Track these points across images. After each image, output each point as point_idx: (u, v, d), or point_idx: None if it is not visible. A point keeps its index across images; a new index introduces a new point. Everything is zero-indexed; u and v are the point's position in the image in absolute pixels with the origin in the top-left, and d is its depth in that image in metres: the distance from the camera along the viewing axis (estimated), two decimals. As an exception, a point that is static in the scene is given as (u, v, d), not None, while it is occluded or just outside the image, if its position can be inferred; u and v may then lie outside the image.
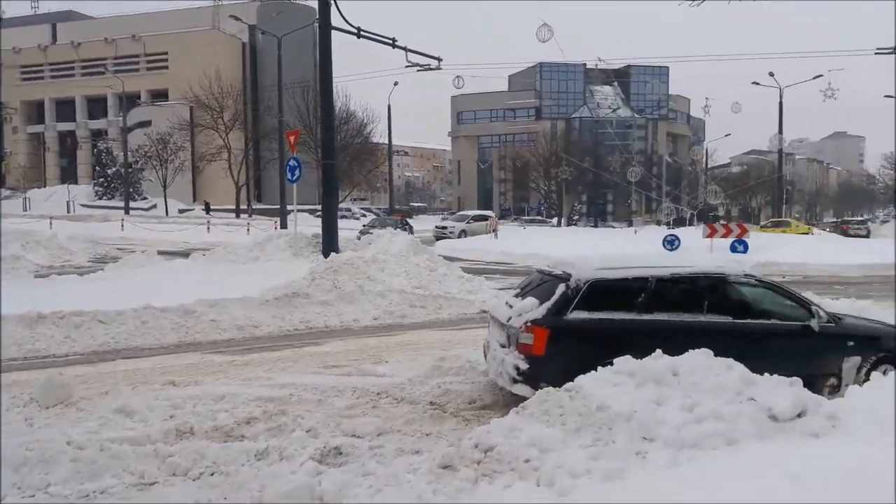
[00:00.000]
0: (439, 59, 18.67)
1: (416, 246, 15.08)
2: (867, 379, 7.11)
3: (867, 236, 46.94)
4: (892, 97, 46.46)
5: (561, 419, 4.33)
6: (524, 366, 6.44)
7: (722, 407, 4.41)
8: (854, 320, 8.00)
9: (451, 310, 12.66)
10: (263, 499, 3.87)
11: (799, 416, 4.46)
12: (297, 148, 17.69)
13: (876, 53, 27.21)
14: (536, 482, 3.72)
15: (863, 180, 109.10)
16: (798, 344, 7.04)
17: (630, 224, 58.64)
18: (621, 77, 73.46)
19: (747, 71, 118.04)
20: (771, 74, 40.14)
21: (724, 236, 25.65)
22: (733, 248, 25.01)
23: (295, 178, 16.03)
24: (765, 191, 70.01)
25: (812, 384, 6.87)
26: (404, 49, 17.86)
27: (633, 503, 3.28)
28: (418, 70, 18.93)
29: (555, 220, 60.06)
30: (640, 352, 5.63)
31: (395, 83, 37.25)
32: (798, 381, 5.16)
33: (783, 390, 4.69)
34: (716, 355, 6.00)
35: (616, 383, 4.76)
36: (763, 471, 3.45)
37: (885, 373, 7.32)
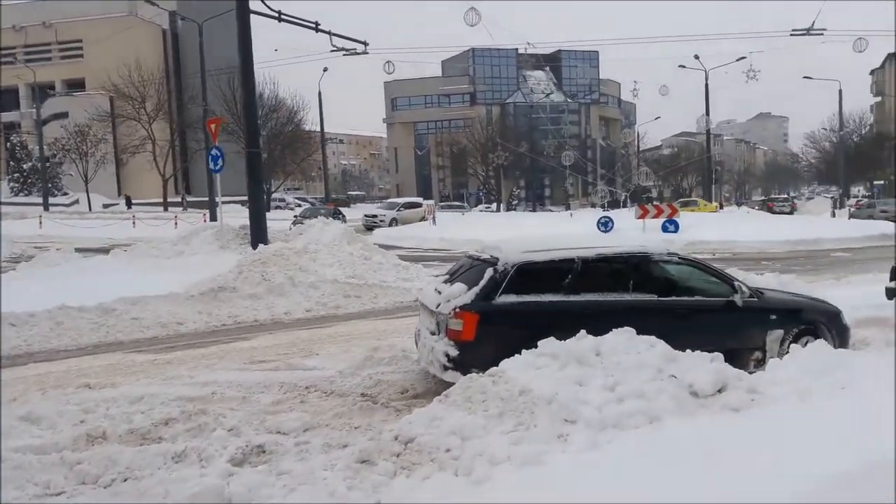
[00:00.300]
0: (365, 44, 18.37)
1: (349, 235, 14.83)
2: (788, 351, 7.34)
3: (791, 213, 48.92)
4: (810, 78, 48.35)
5: (483, 405, 4.26)
6: (454, 352, 6.36)
7: (644, 385, 4.42)
8: (776, 294, 8.22)
9: (387, 299, 12.49)
10: (167, 502, 3.66)
11: (720, 391, 4.51)
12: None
13: (791, 35, 28.14)
14: (455, 472, 3.63)
15: (787, 159, 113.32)
16: (723, 319, 7.17)
17: (568, 207, 59.49)
18: (552, 62, 74.16)
19: (676, 54, 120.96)
20: (696, 57, 41.15)
21: (656, 217, 26.25)
22: (664, 228, 25.63)
23: (218, 167, 15.51)
24: (695, 171, 72.01)
25: (738, 358, 7.04)
26: (328, 33, 17.48)
27: (548, 488, 3.21)
28: (344, 55, 18.59)
29: (470, 206, 60.11)
30: (569, 333, 5.64)
31: (325, 69, 36.67)
32: (719, 356, 5.23)
33: (704, 366, 4.74)
34: (642, 333, 6.06)
35: (539, 366, 4.71)
36: (678, 448, 3.44)
37: (805, 344, 7.56)
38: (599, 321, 6.03)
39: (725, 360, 6.92)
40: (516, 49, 71.36)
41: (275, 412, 6.39)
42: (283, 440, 5.48)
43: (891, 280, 10.80)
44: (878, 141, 66.63)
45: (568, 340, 5.14)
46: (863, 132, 69.04)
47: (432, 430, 4.05)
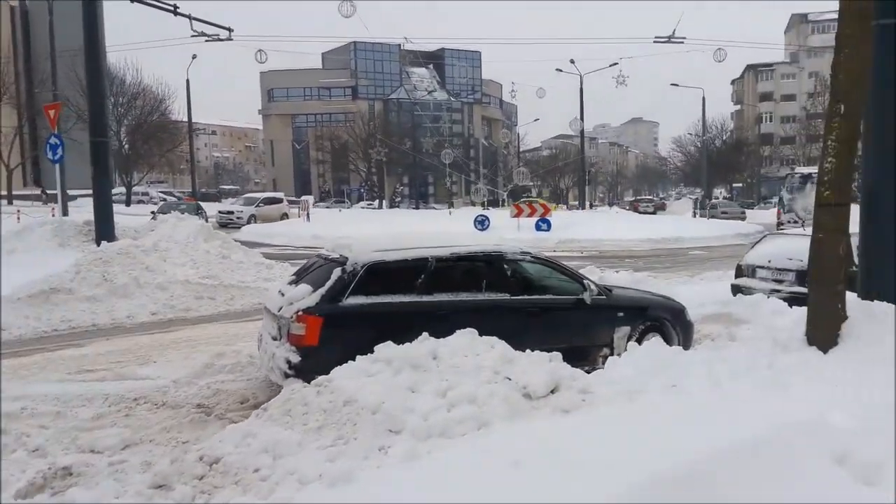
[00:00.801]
0: (230, 30, 17.48)
1: (206, 231, 13.99)
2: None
3: (654, 213, 51.71)
4: (676, 85, 51.15)
5: (304, 419, 3.92)
6: (296, 358, 5.97)
7: (478, 389, 4.23)
8: (623, 292, 8.38)
9: (244, 300, 11.83)
10: None
11: (553, 392, 4.40)
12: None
13: (654, 42, 29.52)
14: (259, 495, 3.27)
15: (656, 162, 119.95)
16: (573, 317, 7.20)
17: (451, 205, 59.92)
18: (435, 59, 74.58)
19: (556, 56, 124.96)
20: (572, 62, 42.50)
21: (530, 216, 26.83)
22: (538, 227, 26.24)
23: (57, 157, 14.20)
24: (572, 172, 74.64)
25: (588, 355, 7.09)
26: (188, 17, 16.45)
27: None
28: (206, 41, 17.60)
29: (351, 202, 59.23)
30: (419, 335, 5.42)
31: (194, 56, 34.70)
32: (557, 355, 5.17)
33: (542, 366, 4.63)
34: (495, 333, 5.95)
35: (373, 373, 4.43)
36: (500, 454, 3.26)
37: (646, 339, 7.75)
38: (451, 322, 5.86)
39: (576, 358, 6.97)
40: (399, 45, 71.36)
41: (92, 428, 5.76)
42: (96, 460, 4.89)
43: (736, 277, 11.41)
44: (737, 146, 71.77)
45: (405, 344, 4.89)
46: (724, 138, 74.08)
47: (242, 449, 3.66)
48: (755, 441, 3.64)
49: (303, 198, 36.86)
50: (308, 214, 31.69)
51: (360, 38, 63.80)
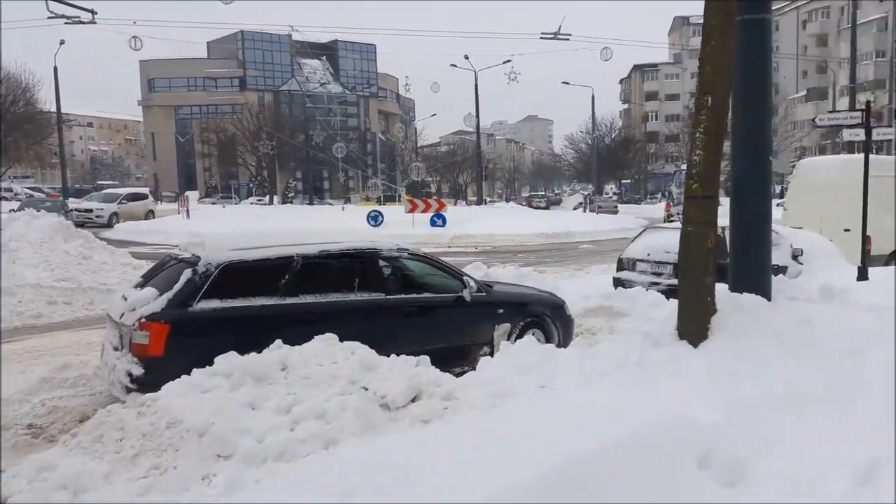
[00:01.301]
0: (93, 13, 16.10)
1: (66, 230, 12.81)
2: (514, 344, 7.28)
3: (547, 208, 52.88)
4: (568, 83, 52.35)
5: (117, 445, 3.38)
6: (139, 371, 5.34)
7: (328, 402, 3.82)
8: (505, 288, 8.19)
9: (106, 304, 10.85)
10: None
11: (414, 400, 4.06)
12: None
13: (541, 38, 29.84)
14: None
15: (551, 159, 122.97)
16: (452, 315, 6.95)
17: (347, 201, 58.88)
18: (328, 51, 73.00)
19: (453, 51, 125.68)
20: (466, 57, 42.57)
21: (425, 211, 26.59)
22: (432, 223, 26.05)
23: None
24: (470, 168, 75.23)
25: (468, 354, 6.83)
26: (42, -4, 15.04)
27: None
28: (66, 23, 16.17)
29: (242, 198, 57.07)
30: (283, 342, 4.95)
31: (62, 42, 31.93)
32: (425, 359, 4.84)
33: (404, 372, 4.27)
34: (369, 335, 5.62)
35: (208, 388, 3.92)
36: (325, 482, 2.86)
37: (532, 335, 7.60)
38: (318, 326, 5.43)
39: (456, 357, 6.70)
40: (289, 35, 69.45)
41: None
42: None
43: (617, 271, 11.54)
44: (625, 144, 74.55)
45: (249, 355, 4.40)
46: (613, 135, 76.77)
47: (36, 485, 3.09)
48: (618, 443, 3.45)
49: (193, 192, 35.02)
50: (188, 211, 30.13)
51: (248, 26, 61.76)
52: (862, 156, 16.52)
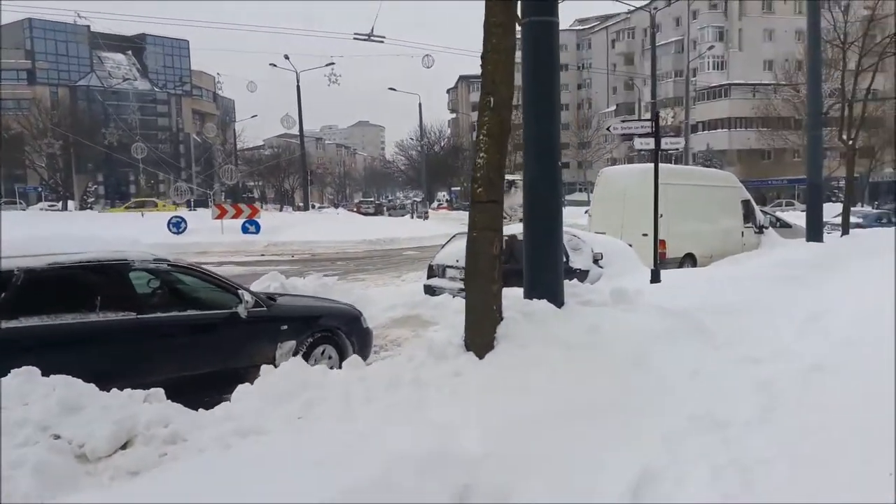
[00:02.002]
0: None
1: None
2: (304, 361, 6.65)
3: (375, 214, 52.62)
4: (394, 90, 52.43)
5: None
6: None
7: (5, 454, 2.96)
8: (292, 301, 7.54)
9: None
10: None
11: (126, 446, 3.30)
12: None
13: (354, 38, 29.27)
14: None
15: (383, 165, 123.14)
16: (223, 335, 6.15)
17: (156, 205, 54.60)
18: (134, 45, 67.58)
19: (278, 50, 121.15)
20: (286, 57, 41.15)
21: (235, 217, 25.06)
22: (244, 229, 24.60)
23: None
24: (297, 173, 73.10)
25: (243, 379, 5.98)
26: None
27: None
28: None
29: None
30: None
31: None
32: (159, 392, 4.05)
33: (119, 412, 3.48)
34: (111, 365, 4.75)
35: None
36: None
37: (324, 353, 7.01)
38: (43, 356, 4.42)
39: (228, 383, 5.87)
40: (87, 25, 63.18)
41: None
42: None
43: (428, 277, 11.26)
44: (455, 152, 76.20)
45: None
46: (443, 143, 78.23)
47: None
48: (368, 485, 2.94)
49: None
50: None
51: (38, 13, 55.11)
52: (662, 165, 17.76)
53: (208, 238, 23.52)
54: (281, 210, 61.30)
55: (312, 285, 9.68)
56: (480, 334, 5.25)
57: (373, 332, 7.63)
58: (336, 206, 75.81)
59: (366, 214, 49.72)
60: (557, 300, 6.69)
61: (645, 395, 5.06)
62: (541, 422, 4.18)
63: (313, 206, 75.48)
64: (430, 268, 11.01)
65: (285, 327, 6.54)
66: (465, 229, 11.97)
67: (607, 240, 12.53)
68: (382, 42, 29.27)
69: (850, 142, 16.79)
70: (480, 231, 5.25)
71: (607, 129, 10.80)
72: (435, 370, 4.68)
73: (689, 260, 14.44)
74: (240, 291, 6.26)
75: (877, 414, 4.48)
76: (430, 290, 10.60)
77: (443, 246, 11.51)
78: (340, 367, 6.90)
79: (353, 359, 5.03)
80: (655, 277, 10.34)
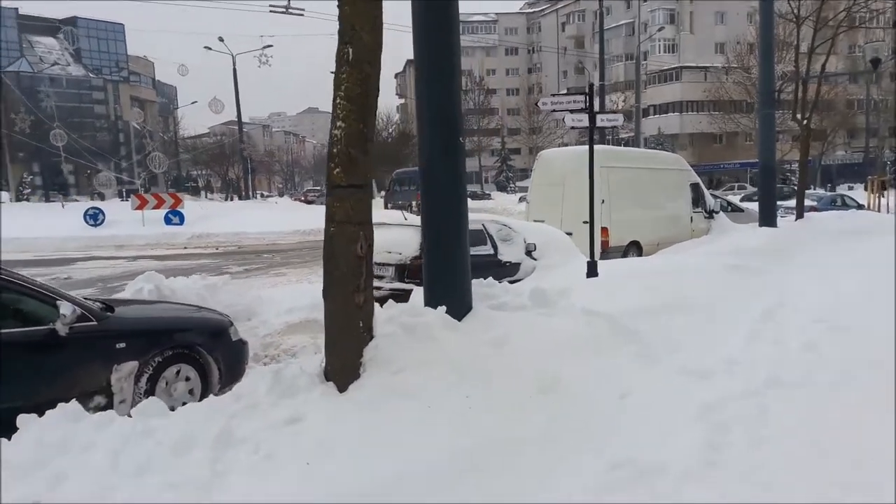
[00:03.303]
0: None
1: None
2: (152, 387, 5.35)
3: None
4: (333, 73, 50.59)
5: None
6: None
7: None
8: (138, 310, 6.17)
9: None
10: None
11: None
12: None
13: (270, 11, 27.21)
14: None
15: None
16: (34, 358, 4.81)
17: (101, 197, 51.82)
18: (66, 28, 64.02)
19: (220, 31, 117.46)
20: (221, 40, 39.02)
21: (157, 207, 23.27)
22: (167, 220, 22.87)
23: None
24: (241, 161, 70.55)
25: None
26: None
27: None
28: None
29: None
30: None
31: None
32: None
33: None
34: None
35: None
36: None
37: (179, 374, 5.68)
38: None
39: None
40: (15, 8, 59.48)
41: None
42: None
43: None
44: (403, 139, 74.50)
45: None
46: (391, 130, 76.40)
47: None
48: None
49: None
50: None
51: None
52: (599, 146, 16.71)
53: (129, 230, 21.76)
54: (227, 199, 59.02)
55: (196, 287, 8.29)
56: (342, 358, 4.01)
57: (247, 345, 6.32)
58: (280, 195, 73.53)
59: (312, 203, 47.84)
60: (463, 305, 5.50)
61: (553, 435, 3.88)
62: (397, 495, 2.96)
63: (262, 195, 73.02)
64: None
65: (123, 345, 5.21)
66: (396, 217, 10.55)
67: (543, 229, 11.41)
68: (302, 15, 27.42)
69: (805, 122, 15.97)
70: (339, 225, 3.99)
71: (535, 104, 9.61)
72: (263, 416, 3.41)
73: (634, 248, 13.40)
74: (59, 302, 4.89)
75: (850, 447, 3.40)
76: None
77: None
78: (204, 392, 5.68)
79: (149, 403, 3.71)
80: (592, 271, 9.22)
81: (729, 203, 17.78)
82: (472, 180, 72.94)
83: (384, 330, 4.30)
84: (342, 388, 3.91)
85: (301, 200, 54.43)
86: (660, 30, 55.56)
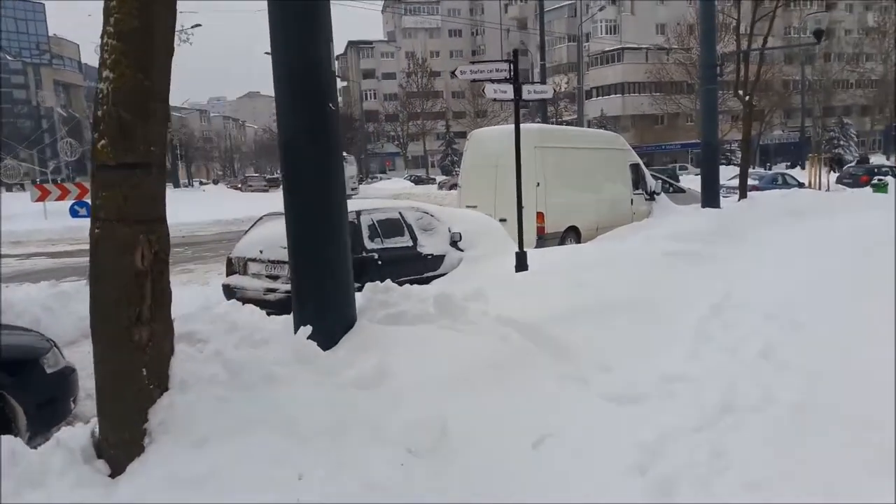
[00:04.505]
0: None
1: None
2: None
3: (267, 191, 48.36)
4: (269, 54, 48.45)
5: None
6: None
7: None
8: None
9: None
10: None
11: None
12: None
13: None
14: None
15: (270, 138, 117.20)
16: None
17: (21, 187, 48.41)
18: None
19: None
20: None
21: (60, 199, 21.22)
22: (73, 213, 20.87)
23: None
24: (175, 148, 67.45)
25: None
26: None
27: None
28: None
29: None
30: None
31: None
32: None
33: None
34: None
35: None
36: None
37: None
38: None
39: None
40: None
41: None
42: None
43: (227, 275, 8.60)
44: (346, 123, 72.36)
45: None
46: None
47: None
48: None
49: None
50: None
51: None
52: (533, 125, 15.62)
53: (30, 225, 19.79)
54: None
55: (41, 296, 6.81)
56: (116, 425, 2.73)
57: (75, 374, 4.94)
58: (215, 182, 70.57)
59: (256, 191, 45.55)
60: (341, 321, 4.32)
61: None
62: None
63: (200, 183, 69.97)
64: (230, 261, 8.37)
65: None
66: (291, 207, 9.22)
67: (471, 216, 10.25)
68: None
69: (747, 97, 15.18)
70: (106, 225, 2.68)
71: (452, 73, 8.38)
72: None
73: (573, 234, 12.36)
74: None
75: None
76: (229, 292, 8.01)
77: (246, 231, 8.88)
78: None
79: None
80: (521, 264, 8.10)
81: (671, 183, 16.91)
82: (418, 165, 71.46)
83: (201, 372, 3.03)
84: (116, 470, 2.65)
85: (237, 188, 52.16)
86: (601, 9, 54.96)
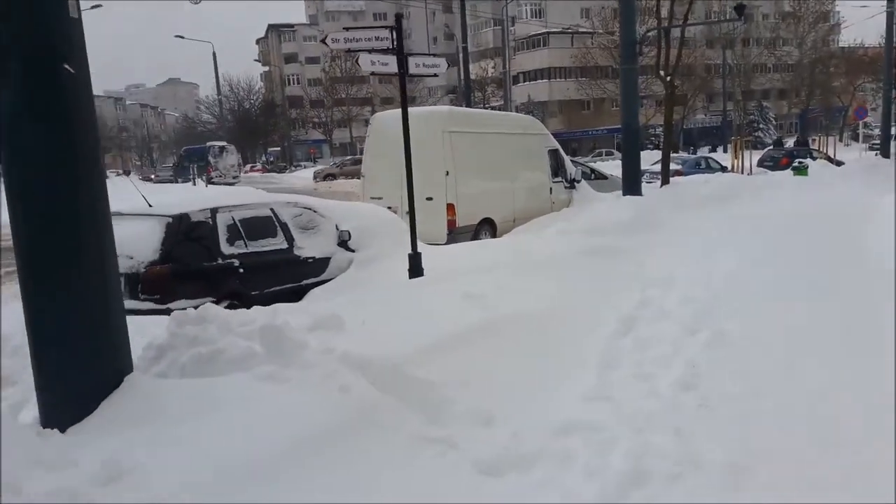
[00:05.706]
0: None
1: None
2: None
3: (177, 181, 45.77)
4: (182, 37, 45.87)
5: None
6: None
7: None
8: None
9: None
10: None
11: None
12: None
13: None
14: None
15: (189, 126, 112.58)
16: None
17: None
18: None
19: None
20: None
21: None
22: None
23: None
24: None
25: None
26: None
27: None
28: None
29: None
30: None
31: None
32: None
33: None
34: None
35: None
36: None
37: None
38: None
39: None
40: None
41: None
42: None
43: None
44: (268, 109, 69.50)
45: None
46: (254, 99, 71.00)
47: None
48: None
49: None
50: None
51: None
52: (441, 107, 14.43)
53: None
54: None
55: None
56: None
57: None
58: (126, 173, 66.62)
59: (157, 181, 42.89)
60: (101, 375, 3.04)
61: None
62: None
63: (117, 174, 65.97)
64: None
65: None
66: (240, 197, 7.69)
67: (363, 210, 9.03)
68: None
69: (669, 78, 14.40)
70: None
71: (322, 41, 7.07)
72: None
73: (488, 227, 11.24)
74: None
75: None
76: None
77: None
78: None
79: None
80: (416, 268, 6.93)
81: (592, 170, 16.06)
82: (345, 152, 69.23)
83: None
84: None
85: (150, 179, 49.14)
86: (526, -10, 54.20)
